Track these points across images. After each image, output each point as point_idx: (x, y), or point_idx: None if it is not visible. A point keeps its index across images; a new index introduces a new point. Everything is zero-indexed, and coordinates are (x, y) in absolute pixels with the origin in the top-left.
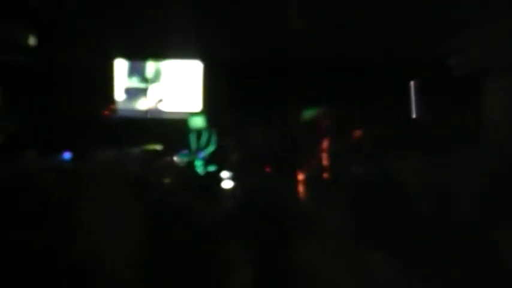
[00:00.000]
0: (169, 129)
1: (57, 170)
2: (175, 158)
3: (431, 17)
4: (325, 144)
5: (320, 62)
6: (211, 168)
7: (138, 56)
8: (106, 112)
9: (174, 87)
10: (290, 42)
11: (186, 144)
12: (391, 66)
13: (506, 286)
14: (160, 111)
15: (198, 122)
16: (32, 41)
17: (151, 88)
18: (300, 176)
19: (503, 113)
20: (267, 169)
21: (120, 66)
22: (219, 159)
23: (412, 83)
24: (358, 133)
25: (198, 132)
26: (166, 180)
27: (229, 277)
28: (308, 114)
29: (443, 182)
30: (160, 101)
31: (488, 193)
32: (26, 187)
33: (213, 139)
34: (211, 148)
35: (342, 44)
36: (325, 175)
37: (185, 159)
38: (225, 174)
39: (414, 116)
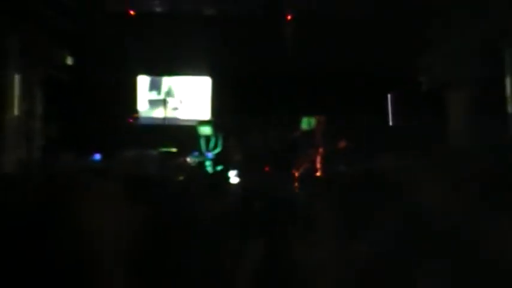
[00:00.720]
0: (183, 134)
1: (88, 170)
2: (187, 159)
3: (405, 45)
4: (319, 148)
5: (311, 78)
6: (218, 167)
7: (157, 73)
8: (130, 120)
9: (187, 99)
10: (285, 62)
11: (197, 147)
12: (371, 82)
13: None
14: (175, 119)
15: (207, 128)
16: (70, 60)
17: (168, 100)
18: (295, 175)
19: (462, 119)
20: (266, 169)
21: (142, 81)
22: (224, 160)
23: (389, 96)
24: (342, 144)
25: (207, 137)
26: (180, 178)
27: (232, 270)
28: (305, 122)
29: (412, 179)
30: (176, 110)
31: (451, 190)
32: (61, 185)
33: (219, 142)
34: (217, 150)
35: (331, 66)
36: (318, 173)
37: (196, 160)
38: (232, 172)
39: (391, 123)
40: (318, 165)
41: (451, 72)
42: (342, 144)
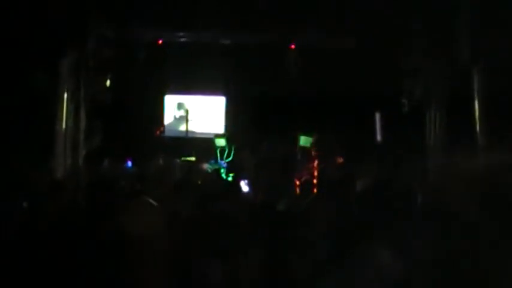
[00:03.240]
0: (202, 145)
1: (123, 174)
2: (205, 166)
3: (390, 71)
4: (315, 161)
5: (310, 101)
6: (231, 174)
7: (181, 93)
8: (157, 132)
9: (205, 115)
10: (289, 85)
11: (213, 156)
12: (362, 105)
13: None
14: (195, 132)
15: (222, 140)
16: (108, 83)
17: (190, 116)
18: (297, 181)
19: (437, 137)
20: (273, 175)
21: (169, 100)
22: (235, 168)
23: (377, 115)
24: (340, 160)
25: (222, 148)
26: (199, 182)
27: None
28: (303, 140)
29: (390, 184)
30: (196, 124)
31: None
32: (104, 184)
33: (232, 153)
34: (230, 159)
35: (329, 91)
36: (315, 180)
37: (212, 167)
38: (243, 182)
39: (379, 138)
40: (315, 175)
41: (428, 94)
42: (339, 160)
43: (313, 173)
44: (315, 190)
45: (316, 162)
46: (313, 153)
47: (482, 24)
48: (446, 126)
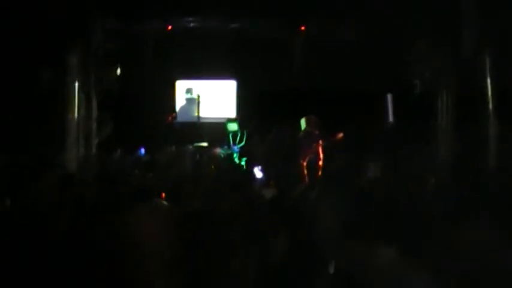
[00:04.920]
0: (214, 130)
1: (136, 162)
2: (218, 151)
3: (401, 55)
4: (320, 143)
5: (319, 86)
6: (243, 158)
7: (192, 78)
8: (169, 119)
9: (216, 99)
10: (298, 72)
11: (225, 141)
12: (374, 86)
13: None
14: (207, 118)
15: (234, 125)
16: (119, 72)
17: (201, 100)
18: (304, 163)
19: (448, 119)
20: (282, 163)
21: (180, 85)
22: (247, 152)
23: (388, 96)
24: (340, 135)
25: (234, 133)
26: (212, 166)
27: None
28: (301, 122)
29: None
30: (207, 109)
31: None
32: (113, 177)
33: (244, 138)
34: (242, 144)
35: (338, 76)
36: (320, 163)
37: (225, 152)
38: (256, 169)
39: (390, 120)
40: (321, 156)
41: (439, 77)
42: (340, 135)
43: (318, 151)
44: (320, 173)
45: (319, 142)
46: (314, 134)
47: (491, 8)
48: (457, 109)
